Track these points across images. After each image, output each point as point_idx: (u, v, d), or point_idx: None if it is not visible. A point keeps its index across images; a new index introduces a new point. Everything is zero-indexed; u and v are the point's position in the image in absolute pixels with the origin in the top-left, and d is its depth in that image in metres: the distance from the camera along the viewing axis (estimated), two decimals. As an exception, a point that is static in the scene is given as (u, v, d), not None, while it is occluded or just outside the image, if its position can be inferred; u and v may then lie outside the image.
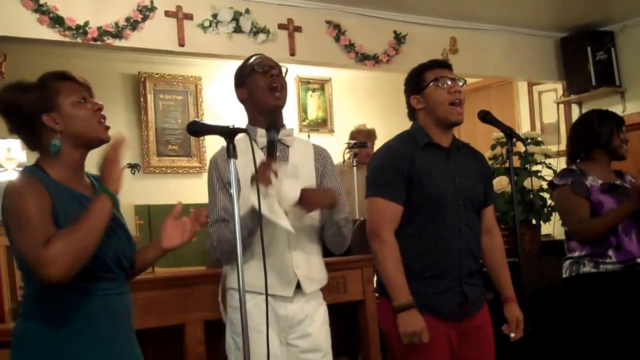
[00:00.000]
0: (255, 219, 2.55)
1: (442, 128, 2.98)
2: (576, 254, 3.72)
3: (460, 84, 2.98)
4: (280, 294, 2.72)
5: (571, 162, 3.83)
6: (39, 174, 2.17)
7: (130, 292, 2.34)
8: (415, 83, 3.00)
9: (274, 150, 2.72)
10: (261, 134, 2.79)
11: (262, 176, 2.52)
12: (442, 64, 3.04)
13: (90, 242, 2.06)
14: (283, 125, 2.86)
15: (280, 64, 2.92)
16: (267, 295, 2.47)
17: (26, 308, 2.19)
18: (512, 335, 3.01)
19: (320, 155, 2.95)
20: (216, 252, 2.74)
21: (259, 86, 2.80)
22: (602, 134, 3.75)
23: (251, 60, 2.88)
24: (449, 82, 2.94)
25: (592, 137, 3.77)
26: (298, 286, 2.75)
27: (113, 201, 2.13)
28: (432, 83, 2.94)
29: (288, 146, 2.86)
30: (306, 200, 2.65)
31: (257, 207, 2.44)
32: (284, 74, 2.87)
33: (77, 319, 2.15)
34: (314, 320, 2.79)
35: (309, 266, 2.79)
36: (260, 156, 2.72)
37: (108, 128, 2.26)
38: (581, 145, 3.81)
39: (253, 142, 2.40)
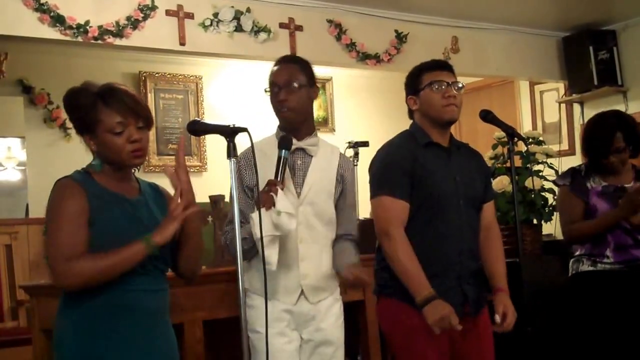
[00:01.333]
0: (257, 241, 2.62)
1: (438, 128, 2.98)
2: (577, 252, 3.73)
3: (459, 86, 2.97)
4: (284, 301, 2.79)
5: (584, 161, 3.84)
6: (83, 178, 2.33)
7: (168, 290, 2.43)
8: (413, 84, 3.01)
9: (282, 168, 2.73)
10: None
11: (265, 198, 2.62)
12: (442, 66, 3.02)
13: (110, 274, 2.22)
14: (309, 133, 2.92)
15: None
16: (266, 298, 2.50)
17: (61, 305, 2.31)
18: (497, 319, 2.88)
19: (345, 168, 2.99)
20: (232, 251, 2.69)
21: (272, 104, 2.90)
22: (597, 148, 3.71)
23: (269, 75, 2.93)
24: (444, 87, 2.93)
25: (590, 147, 3.76)
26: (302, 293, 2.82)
27: (150, 249, 2.25)
28: (427, 87, 2.95)
29: (311, 156, 2.90)
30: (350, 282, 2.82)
31: (257, 233, 2.56)
32: (304, 85, 2.88)
33: (108, 315, 2.25)
34: (328, 316, 2.85)
35: (317, 277, 2.83)
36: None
37: (139, 156, 2.38)
38: (587, 153, 3.81)
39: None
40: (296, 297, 2.78)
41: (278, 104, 2.86)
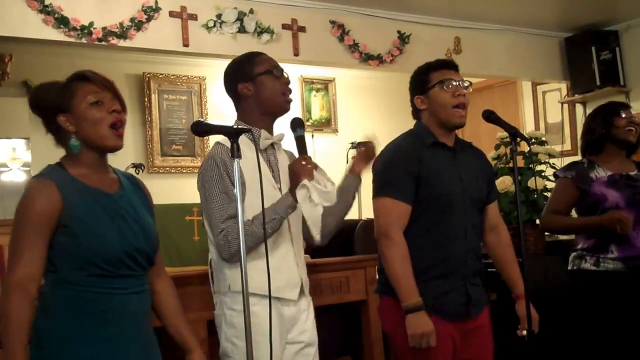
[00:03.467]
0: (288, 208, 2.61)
1: (444, 129, 2.97)
2: (579, 246, 3.72)
3: (466, 85, 2.96)
4: (288, 297, 2.73)
5: (583, 156, 3.85)
6: (55, 173, 2.22)
7: (149, 291, 2.33)
8: (420, 83, 2.99)
9: (304, 145, 2.68)
10: (265, 135, 2.79)
11: (306, 170, 2.57)
12: (449, 65, 3.02)
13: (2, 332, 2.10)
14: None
15: (285, 64, 2.94)
16: (270, 297, 2.47)
17: (41, 304, 2.17)
18: (524, 333, 2.94)
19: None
20: (232, 247, 2.61)
21: (274, 89, 2.77)
22: (595, 128, 3.76)
23: (259, 58, 2.83)
24: (454, 85, 2.92)
25: (589, 133, 3.79)
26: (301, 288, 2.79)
27: None
28: (436, 85, 2.93)
29: (276, 150, 2.85)
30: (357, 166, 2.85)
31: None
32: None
33: (88, 318, 2.15)
34: (308, 317, 2.82)
35: (304, 268, 2.83)
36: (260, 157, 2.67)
37: (121, 135, 2.27)
38: (587, 143, 3.83)
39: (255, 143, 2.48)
40: (298, 291, 2.75)
41: (283, 87, 2.78)
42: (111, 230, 2.19)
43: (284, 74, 2.82)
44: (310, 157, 2.64)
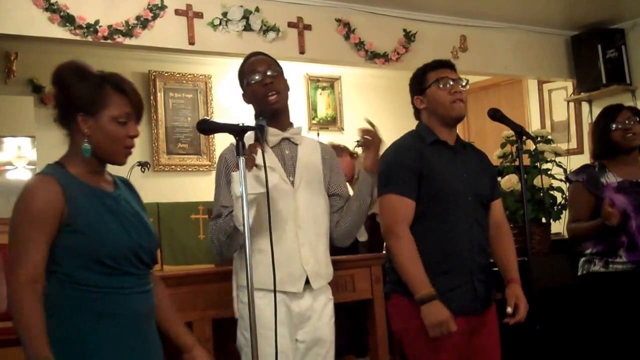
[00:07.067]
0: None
1: (445, 126, 3.01)
2: (588, 251, 3.72)
3: (463, 84, 3.01)
4: (290, 290, 2.74)
5: (594, 159, 3.84)
6: (57, 171, 2.19)
7: (153, 291, 2.31)
8: (418, 83, 3.05)
9: (261, 134, 2.61)
10: (273, 132, 2.84)
11: (246, 160, 2.49)
12: (445, 64, 3.06)
13: (17, 329, 2.06)
14: (291, 124, 2.93)
15: (290, 62, 2.94)
16: (275, 291, 2.48)
17: (46, 305, 2.13)
18: (509, 311, 2.91)
19: (326, 152, 3.00)
20: (214, 244, 2.75)
21: (256, 94, 2.86)
22: (597, 135, 3.76)
23: (245, 67, 2.92)
24: (451, 83, 2.97)
25: (594, 141, 3.80)
26: (306, 282, 2.78)
27: None
28: (433, 84, 2.98)
29: (297, 144, 2.90)
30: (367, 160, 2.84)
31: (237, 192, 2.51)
32: (281, 72, 2.90)
33: (92, 318, 2.13)
34: (322, 316, 2.83)
35: (317, 262, 2.81)
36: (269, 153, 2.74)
37: (129, 154, 2.27)
38: (595, 149, 3.83)
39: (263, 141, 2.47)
40: (302, 284, 2.76)
41: (265, 89, 2.83)
42: (116, 227, 2.18)
43: (263, 76, 2.85)
44: (255, 145, 2.55)
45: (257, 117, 2.79)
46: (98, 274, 2.14)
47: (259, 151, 2.50)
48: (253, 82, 2.86)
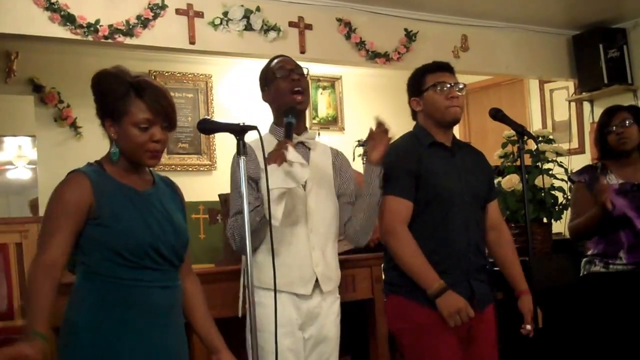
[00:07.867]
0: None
1: (441, 128, 3.04)
2: (589, 252, 3.73)
3: (460, 87, 3.01)
4: (300, 292, 2.77)
5: (597, 160, 3.85)
6: (91, 169, 2.31)
7: (179, 287, 2.39)
8: (416, 85, 3.07)
9: (291, 131, 2.74)
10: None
11: (276, 153, 2.59)
12: (444, 67, 3.07)
13: (27, 305, 2.25)
14: (305, 129, 2.94)
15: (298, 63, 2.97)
16: (275, 291, 2.50)
17: (72, 297, 2.29)
18: (529, 327, 2.98)
19: (337, 156, 3.03)
20: (235, 240, 2.75)
21: (281, 90, 2.87)
22: (596, 137, 3.78)
23: (273, 64, 2.95)
24: (448, 87, 2.98)
25: (594, 141, 3.81)
26: (315, 283, 2.80)
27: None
28: (430, 88, 3.00)
29: (310, 149, 2.92)
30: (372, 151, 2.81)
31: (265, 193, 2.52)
32: (305, 75, 2.94)
33: (116, 310, 2.24)
34: (330, 313, 2.86)
35: (326, 265, 2.84)
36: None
37: (156, 157, 2.34)
38: (596, 150, 3.84)
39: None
40: (311, 286, 2.78)
41: (292, 84, 2.86)
42: (137, 222, 2.27)
43: (293, 73, 2.89)
44: (285, 142, 2.64)
45: (285, 114, 2.80)
46: (119, 266, 2.24)
47: (290, 147, 2.58)
48: (280, 75, 2.87)
